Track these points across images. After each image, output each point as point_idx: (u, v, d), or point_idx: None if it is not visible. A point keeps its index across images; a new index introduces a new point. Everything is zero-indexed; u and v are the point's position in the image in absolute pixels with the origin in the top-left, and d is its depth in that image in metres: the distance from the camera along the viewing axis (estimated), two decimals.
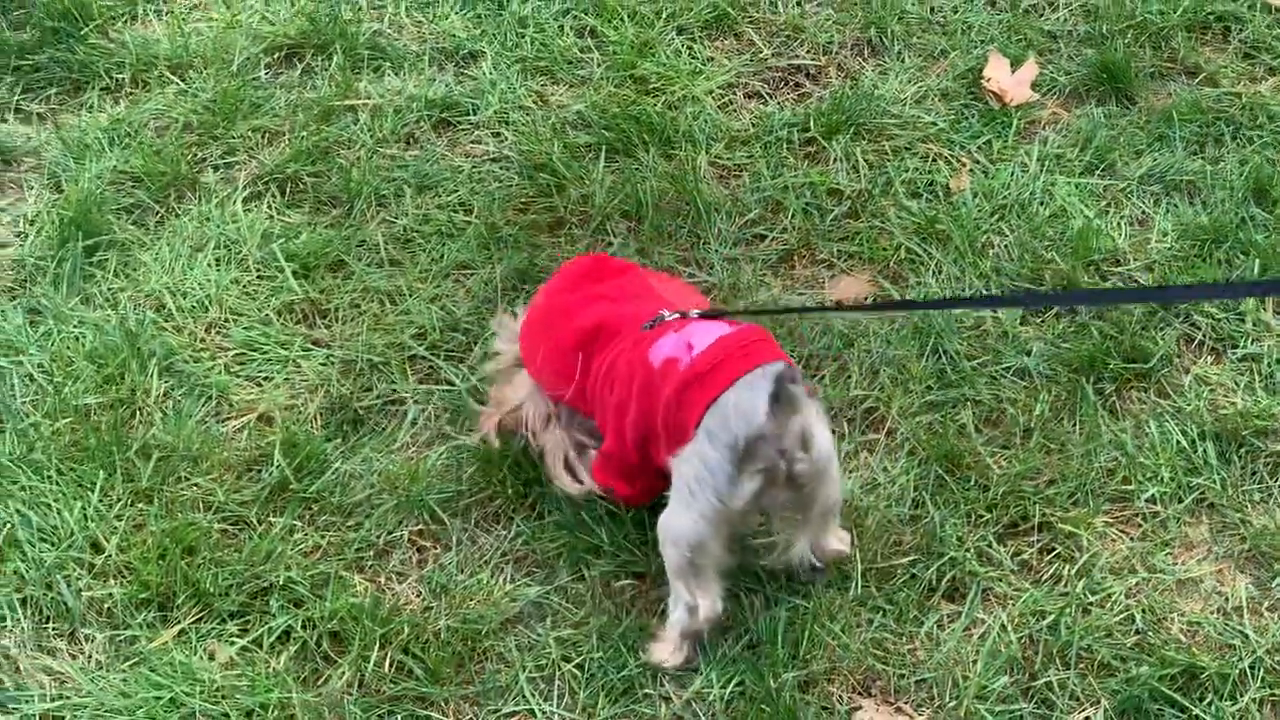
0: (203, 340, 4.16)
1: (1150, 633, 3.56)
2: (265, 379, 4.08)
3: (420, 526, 3.79)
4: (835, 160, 4.65)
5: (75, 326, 4.16)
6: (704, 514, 3.33)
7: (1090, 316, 4.17)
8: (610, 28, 5.05)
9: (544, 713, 3.44)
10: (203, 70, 4.90)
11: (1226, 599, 3.62)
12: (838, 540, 3.56)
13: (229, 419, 4.00)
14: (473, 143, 4.73)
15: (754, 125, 4.77)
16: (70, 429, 3.91)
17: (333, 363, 4.10)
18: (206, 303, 4.24)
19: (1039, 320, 4.21)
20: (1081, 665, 3.52)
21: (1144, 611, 3.60)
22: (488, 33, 5.03)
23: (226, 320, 4.21)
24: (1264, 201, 4.49)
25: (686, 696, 3.45)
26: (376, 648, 3.51)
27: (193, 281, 4.29)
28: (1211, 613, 3.60)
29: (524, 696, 3.47)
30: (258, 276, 4.31)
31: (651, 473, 3.56)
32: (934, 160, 4.64)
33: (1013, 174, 4.56)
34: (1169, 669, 3.46)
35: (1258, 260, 4.29)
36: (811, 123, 4.73)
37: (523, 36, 5.05)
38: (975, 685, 3.47)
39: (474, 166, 4.63)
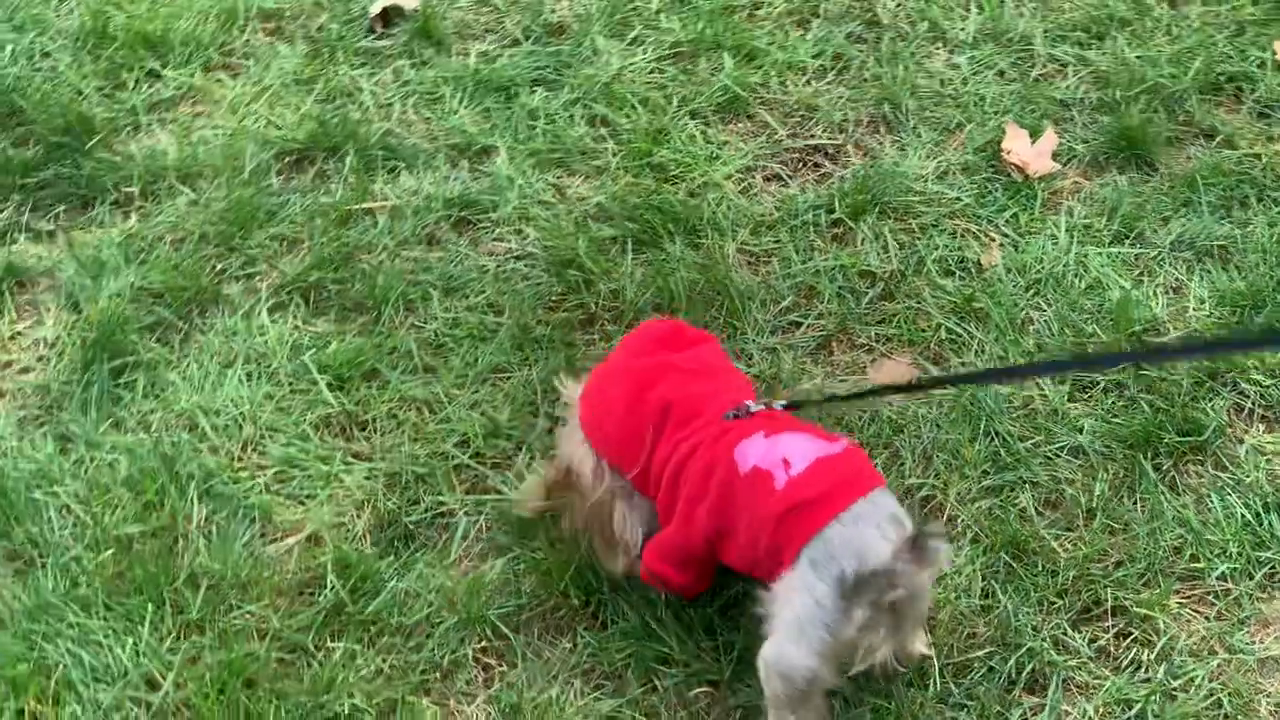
0: (240, 459, 4.07)
1: (1240, 717, 3.48)
2: (308, 496, 3.99)
3: (484, 643, 3.72)
4: (864, 241, 4.59)
5: (108, 452, 4.06)
6: (817, 650, 3.27)
7: (1139, 390, 4.11)
8: (622, 115, 4.99)
9: None
10: (213, 179, 4.82)
11: None
12: (921, 643, 3.48)
13: (275, 540, 3.92)
14: (495, 240, 4.65)
15: (778, 209, 4.71)
16: (114, 560, 3.81)
17: (376, 476, 4.02)
18: (240, 420, 4.15)
19: (1088, 396, 4.14)
20: None
21: (1230, 695, 3.55)
22: (498, 126, 4.97)
23: (262, 438, 4.12)
24: None
25: None
26: None
27: (224, 399, 4.19)
28: None
29: None
30: (290, 390, 4.22)
31: (709, 565, 3.49)
32: (962, 236, 4.60)
33: (1044, 247, 4.52)
34: None
35: None
36: (837, 203, 4.68)
37: (534, 129, 4.98)
38: None
39: (499, 265, 4.55)
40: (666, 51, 5.19)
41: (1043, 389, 4.16)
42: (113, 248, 4.61)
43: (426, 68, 5.20)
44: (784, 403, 3.49)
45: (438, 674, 3.66)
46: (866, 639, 3.28)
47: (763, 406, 3.42)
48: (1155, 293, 4.44)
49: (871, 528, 3.24)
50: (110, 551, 3.83)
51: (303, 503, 3.99)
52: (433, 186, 4.80)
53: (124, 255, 4.59)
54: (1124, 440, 4.03)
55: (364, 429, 4.15)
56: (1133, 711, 3.54)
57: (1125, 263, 4.52)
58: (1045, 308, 4.39)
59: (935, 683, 3.59)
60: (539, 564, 3.78)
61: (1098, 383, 4.20)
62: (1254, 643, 3.66)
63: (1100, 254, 4.53)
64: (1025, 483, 3.98)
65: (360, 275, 4.53)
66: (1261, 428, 4.11)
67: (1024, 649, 3.64)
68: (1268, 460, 4.01)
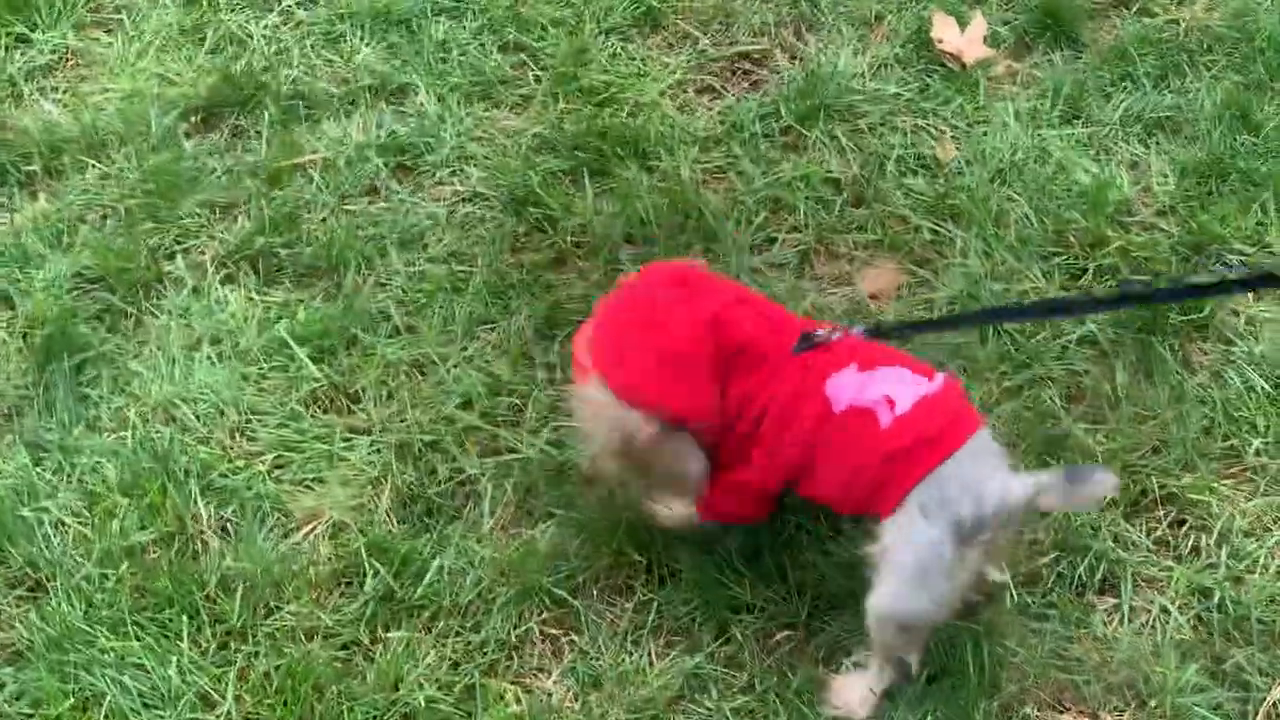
0: (232, 448, 3.83)
1: None
2: (316, 480, 3.78)
3: (544, 614, 3.54)
4: (819, 147, 4.48)
5: (89, 457, 3.76)
6: (937, 598, 3.20)
7: (1130, 272, 4.11)
8: (535, 39, 4.77)
9: None
10: (120, 147, 4.49)
11: None
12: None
13: (294, 530, 3.66)
14: (438, 184, 4.43)
15: (721, 122, 4.59)
16: (130, 574, 3.53)
17: (382, 449, 3.80)
18: (221, 406, 3.89)
19: (1080, 286, 4.12)
20: (1264, 638, 3.45)
21: None
22: (409, 62, 4.73)
23: (249, 422, 3.88)
24: (1248, 126, 4.47)
25: None
26: None
27: (198, 385, 3.93)
28: None
29: None
30: (268, 367, 3.97)
31: (777, 497, 3.39)
32: (914, 132, 4.53)
33: (998, 136, 4.47)
34: None
35: (1270, 194, 4.28)
36: (783, 110, 4.56)
37: (446, 61, 4.74)
38: (1172, 681, 3.36)
39: (450, 210, 4.34)
40: None
41: (1036, 282, 4.11)
42: (31, 234, 4.24)
43: (318, 6, 4.90)
44: (862, 327, 3.36)
45: (504, 651, 3.49)
46: (971, 577, 3.21)
47: (836, 335, 3.28)
48: (1117, 170, 4.42)
49: (984, 468, 3.17)
50: (126, 565, 3.53)
51: (311, 487, 3.77)
52: (361, 134, 4.54)
53: (46, 240, 4.23)
54: (1130, 326, 4.00)
55: (357, 401, 3.94)
56: (1214, 600, 3.52)
57: (1081, 143, 4.50)
58: (1018, 198, 4.33)
59: (1011, 596, 3.52)
60: (585, 525, 3.61)
61: (1088, 269, 4.15)
62: None
63: (1055, 136, 4.50)
64: (1043, 379, 3.94)
65: (308, 237, 4.27)
66: (1250, 296, 4.11)
67: (1090, 551, 3.60)
68: (1269, 330, 4.00)
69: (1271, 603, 3.53)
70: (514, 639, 3.52)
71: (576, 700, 3.39)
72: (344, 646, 3.49)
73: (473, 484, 3.77)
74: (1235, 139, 4.44)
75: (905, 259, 4.24)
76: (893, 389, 3.18)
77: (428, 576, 3.57)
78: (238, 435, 3.85)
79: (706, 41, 4.85)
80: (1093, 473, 3.19)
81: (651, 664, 3.45)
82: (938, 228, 4.27)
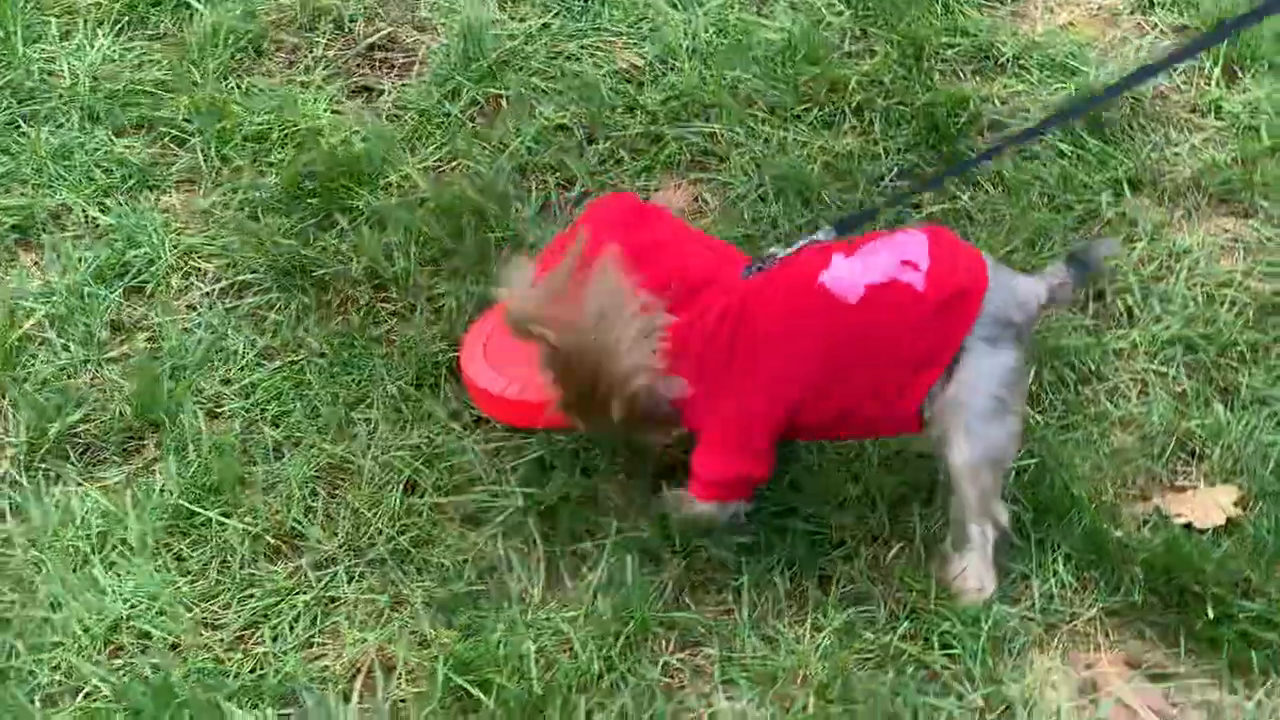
0: (214, 645, 3.29)
1: None
2: (324, 633, 3.31)
3: (667, 645, 3.28)
4: (524, 101, 4.30)
5: None
6: (1018, 412, 3.18)
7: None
8: (151, 110, 4.31)
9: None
10: None
11: None
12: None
13: (351, 692, 3.22)
14: (184, 292, 3.94)
15: (408, 116, 4.31)
16: None
17: (365, 571, 3.40)
18: (165, 608, 3.34)
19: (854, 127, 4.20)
20: None
21: None
22: (43, 185, 4.14)
23: (208, 611, 3.34)
24: None
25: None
26: None
27: (123, 599, 3.35)
28: None
29: None
30: (185, 546, 3.44)
31: (774, 451, 3.25)
32: (596, 53, 4.47)
33: (667, 23, 4.45)
34: None
35: None
36: (460, 79, 4.33)
37: (76, 169, 4.19)
38: None
39: (229, 310, 3.87)
40: None
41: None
42: None
43: None
44: (834, 225, 3.28)
45: (655, 697, 3.21)
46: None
47: (794, 247, 3.20)
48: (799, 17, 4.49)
49: (1004, 275, 3.17)
50: None
51: (325, 640, 3.30)
52: (60, 276, 3.94)
53: None
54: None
55: (301, 538, 3.47)
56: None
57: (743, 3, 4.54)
58: (742, 74, 4.33)
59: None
60: (625, 545, 3.37)
61: (843, 110, 4.25)
62: None
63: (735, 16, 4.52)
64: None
65: (94, 403, 3.69)
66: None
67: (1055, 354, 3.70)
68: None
69: None
70: (656, 680, 3.20)
71: (759, 707, 3.14)
72: None
73: (481, 559, 3.39)
74: None
75: (684, 172, 4.13)
76: (905, 251, 3.10)
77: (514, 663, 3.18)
78: (205, 629, 3.30)
79: (324, 48, 4.47)
80: (1091, 246, 3.27)
81: (800, 640, 3.23)
82: (692, 132, 4.17)
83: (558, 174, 4.13)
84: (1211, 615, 3.12)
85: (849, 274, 3.09)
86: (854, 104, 4.22)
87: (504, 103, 4.27)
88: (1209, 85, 4.22)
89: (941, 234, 3.19)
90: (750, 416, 3.17)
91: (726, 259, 3.23)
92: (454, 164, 4.18)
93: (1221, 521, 3.33)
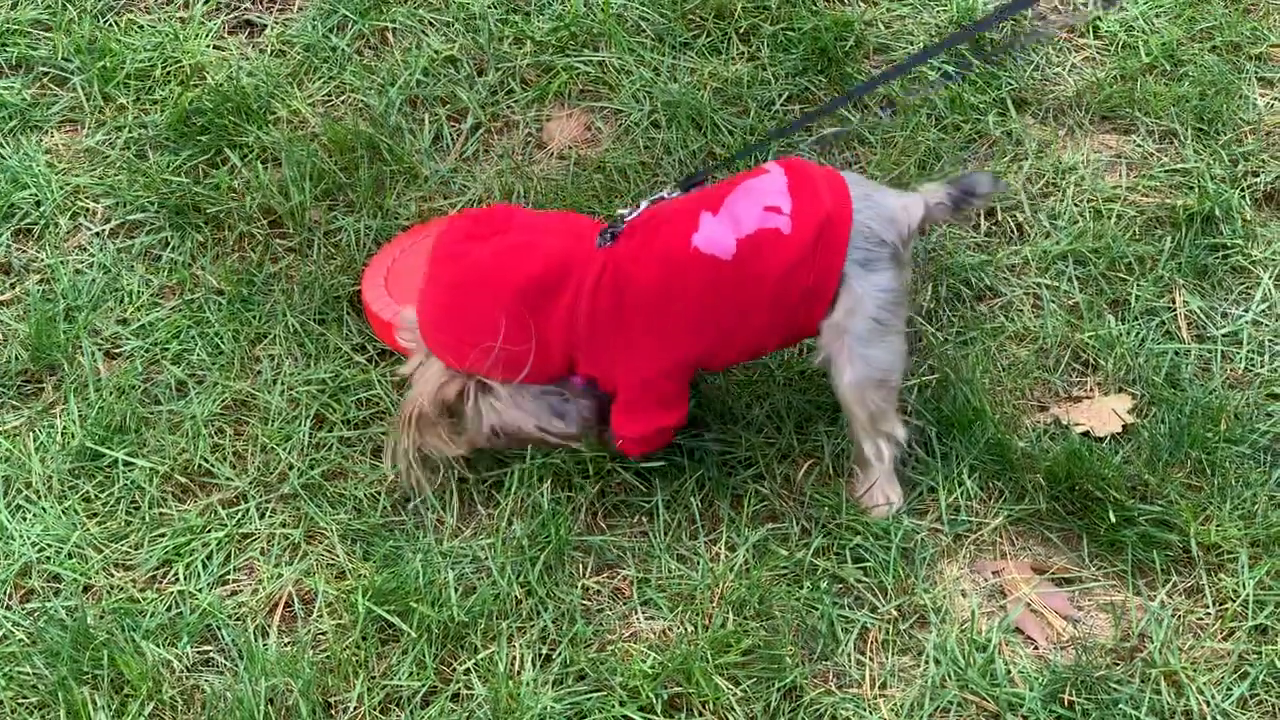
0: (126, 585, 3.27)
1: None
2: (239, 569, 3.31)
3: (585, 570, 3.31)
4: (411, 34, 4.31)
5: None
6: (900, 330, 3.23)
7: None
8: (30, 48, 4.23)
9: None
10: None
11: None
12: None
13: (269, 627, 3.22)
14: (73, 234, 3.88)
15: (293, 51, 4.26)
16: None
17: (277, 507, 3.39)
18: (75, 550, 3.31)
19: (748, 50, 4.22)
20: None
21: None
22: None
23: (118, 551, 3.32)
24: None
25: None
26: None
27: (28, 542, 3.31)
28: None
29: None
30: (92, 488, 3.41)
31: (687, 391, 3.31)
32: None
33: None
34: None
35: None
36: (346, 12, 4.30)
37: None
38: None
39: (121, 251, 3.83)
40: None
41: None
42: None
43: None
44: (679, 183, 3.30)
45: (574, 620, 3.24)
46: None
47: (641, 208, 3.22)
48: None
49: (876, 195, 3.21)
50: None
51: (240, 576, 3.29)
52: None
53: None
54: None
55: (210, 475, 3.45)
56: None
57: None
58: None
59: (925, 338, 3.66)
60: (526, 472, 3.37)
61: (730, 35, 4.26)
62: None
63: None
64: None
65: None
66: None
67: (946, 272, 3.77)
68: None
69: None
70: (575, 603, 3.23)
71: (683, 624, 3.19)
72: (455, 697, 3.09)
73: (394, 490, 3.39)
74: None
75: (576, 101, 4.14)
76: (768, 198, 3.13)
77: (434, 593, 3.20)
78: (117, 570, 3.27)
79: None
80: (967, 177, 3.31)
81: (715, 560, 3.28)
82: (582, 61, 4.17)
83: (449, 105, 4.08)
84: (1113, 519, 3.18)
85: (719, 232, 3.11)
86: (741, 30, 4.21)
87: (390, 35, 4.20)
88: (1086, 5, 4.27)
89: (796, 166, 3.21)
90: (651, 376, 3.21)
91: (575, 235, 3.22)
92: (344, 98, 4.10)
93: (1118, 429, 3.39)
